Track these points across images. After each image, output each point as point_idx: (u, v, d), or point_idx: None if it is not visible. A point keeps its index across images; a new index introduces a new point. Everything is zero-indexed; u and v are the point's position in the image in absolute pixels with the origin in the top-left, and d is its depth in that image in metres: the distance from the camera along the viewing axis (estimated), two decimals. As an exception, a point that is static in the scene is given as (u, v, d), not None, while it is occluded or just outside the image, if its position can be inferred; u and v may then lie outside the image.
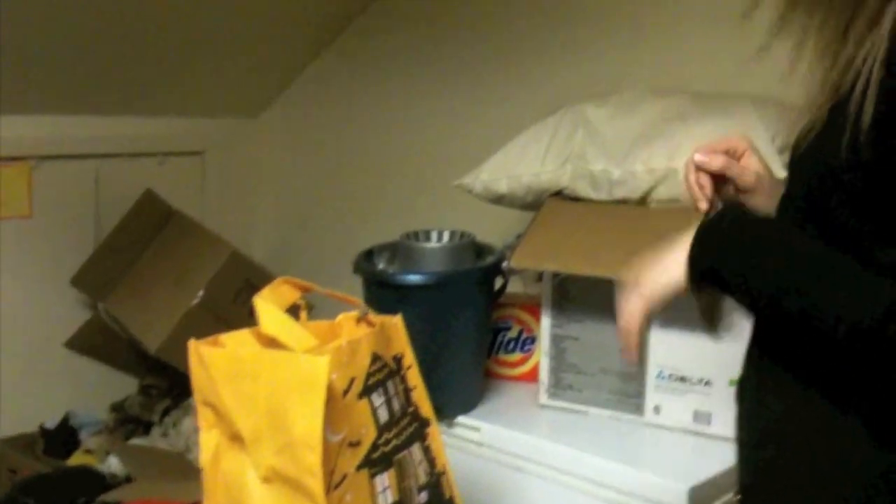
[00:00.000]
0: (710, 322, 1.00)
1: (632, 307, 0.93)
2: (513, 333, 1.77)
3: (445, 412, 1.56)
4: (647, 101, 1.62)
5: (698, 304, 1.00)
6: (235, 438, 1.01)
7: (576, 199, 1.64)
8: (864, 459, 0.78)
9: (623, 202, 1.56)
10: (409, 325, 1.17)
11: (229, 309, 2.25)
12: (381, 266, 1.65)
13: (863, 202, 0.76)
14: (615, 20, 2.01)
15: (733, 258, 0.85)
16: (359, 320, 1.15)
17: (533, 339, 1.75)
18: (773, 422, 0.87)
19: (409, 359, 1.15)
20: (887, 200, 0.74)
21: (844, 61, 0.79)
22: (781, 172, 1.34)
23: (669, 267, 0.90)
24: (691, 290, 0.90)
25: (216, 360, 1.00)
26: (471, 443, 1.57)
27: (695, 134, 1.45)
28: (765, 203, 0.99)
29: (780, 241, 0.82)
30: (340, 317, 1.16)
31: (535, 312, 1.70)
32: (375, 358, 1.07)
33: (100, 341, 2.50)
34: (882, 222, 0.75)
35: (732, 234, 0.86)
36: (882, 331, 0.71)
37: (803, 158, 0.86)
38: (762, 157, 1.05)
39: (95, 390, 2.52)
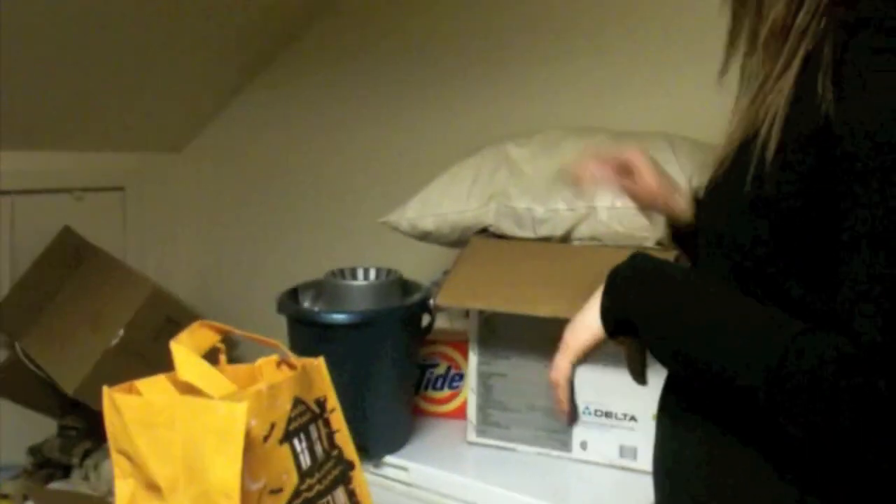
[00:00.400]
0: (636, 370, 1.02)
1: (559, 363, 0.97)
2: (440, 370, 1.77)
3: (372, 452, 1.55)
4: (569, 140, 1.64)
5: (624, 353, 1.02)
6: (152, 487, 0.98)
7: (501, 237, 1.64)
8: (767, 492, 0.79)
9: (547, 239, 1.57)
10: (335, 365, 1.15)
11: (150, 347, 2.19)
12: (305, 304, 1.63)
13: (770, 237, 0.77)
14: (538, 59, 2.04)
15: (640, 309, 0.87)
16: (279, 363, 1.13)
17: (461, 376, 1.75)
18: (680, 454, 0.88)
19: (333, 401, 1.14)
20: (792, 236, 0.76)
21: (760, 99, 0.81)
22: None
23: (588, 321, 0.94)
24: (611, 340, 0.93)
25: (130, 408, 0.97)
26: (399, 483, 1.55)
27: (615, 172, 1.47)
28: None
29: (682, 290, 0.84)
30: (260, 361, 1.14)
31: (463, 349, 1.70)
32: (297, 402, 1.05)
33: (17, 382, 2.41)
34: (789, 258, 0.77)
35: (636, 286, 0.88)
36: (778, 375, 0.71)
37: (713, 193, 0.88)
38: (662, 171, 1.10)
39: (13, 433, 2.43)
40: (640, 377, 1.02)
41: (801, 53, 0.78)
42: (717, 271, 0.85)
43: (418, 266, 1.96)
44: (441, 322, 1.79)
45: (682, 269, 0.90)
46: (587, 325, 0.94)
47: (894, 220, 0.67)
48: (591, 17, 1.96)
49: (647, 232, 1.45)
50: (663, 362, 0.86)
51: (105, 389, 1.00)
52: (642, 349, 1.01)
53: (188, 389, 1.01)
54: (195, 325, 1.07)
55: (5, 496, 2.23)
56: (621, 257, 1.30)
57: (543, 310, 1.42)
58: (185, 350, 1.01)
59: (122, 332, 2.17)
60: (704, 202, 0.93)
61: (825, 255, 0.73)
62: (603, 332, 0.93)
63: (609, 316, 0.92)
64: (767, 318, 0.75)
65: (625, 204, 1.45)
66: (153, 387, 1.05)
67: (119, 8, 2.02)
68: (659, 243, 1.45)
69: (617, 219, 1.47)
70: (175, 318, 2.18)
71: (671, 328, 0.82)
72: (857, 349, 0.67)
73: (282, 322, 1.56)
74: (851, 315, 0.69)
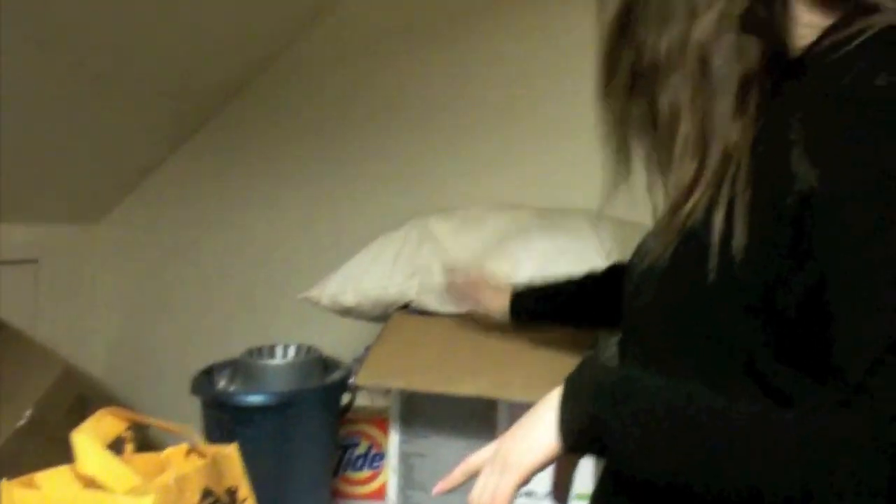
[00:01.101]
0: (564, 487, 0.95)
1: (502, 490, 0.82)
2: (361, 450, 1.73)
3: (290, 538, 1.49)
4: (491, 215, 1.65)
5: (559, 467, 0.95)
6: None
7: (423, 313, 1.63)
8: None
9: (468, 315, 1.56)
10: (252, 449, 1.12)
11: (61, 426, 2.10)
12: (221, 385, 1.58)
13: (756, 327, 0.73)
14: (461, 134, 2.06)
15: (615, 425, 0.76)
16: (189, 452, 1.09)
17: (382, 456, 1.71)
18: None
19: (245, 490, 1.09)
20: (777, 321, 0.72)
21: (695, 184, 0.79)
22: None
23: (538, 436, 0.81)
24: (567, 453, 0.81)
25: (28, 504, 0.92)
26: (317, 570, 1.50)
27: (535, 249, 1.49)
28: None
29: (665, 404, 0.74)
30: (168, 450, 1.09)
31: (384, 427, 1.66)
32: (206, 493, 1.01)
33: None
34: (776, 341, 0.73)
35: (603, 397, 0.78)
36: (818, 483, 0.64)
37: (663, 281, 0.82)
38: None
39: None
40: (565, 496, 0.94)
41: (742, 137, 0.76)
42: (676, 359, 0.80)
43: (340, 342, 1.93)
44: (362, 399, 1.75)
45: (646, 375, 0.80)
46: (538, 440, 0.81)
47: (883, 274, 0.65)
48: (511, 93, 1.99)
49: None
50: (639, 476, 0.77)
51: (3, 484, 0.95)
52: (574, 471, 0.94)
53: (91, 483, 0.96)
54: (100, 413, 1.02)
55: None
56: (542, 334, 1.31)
57: (466, 388, 1.40)
58: (88, 440, 0.96)
59: (30, 411, 2.07)
60: (641, 287, 0.87)
61: (812, 334, 0.70)
62: (559, 448, 0.80)
63: (569, 429, 0.79)
64: (778, 424, 0.68)
65: (545, 278, 1.46)
66: (54, 480, 1.00)
67: (36, 73, 1.98)
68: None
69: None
70: (87, 397, 2.10)
71: (661, 450, 0.73)
72: (866, 419, 0.63)
73: (197, 402, 1.51)
74: (849, 364, 0.66)
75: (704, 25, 0.77)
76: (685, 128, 0.78)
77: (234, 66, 2.29)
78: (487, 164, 2.02)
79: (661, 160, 0.83)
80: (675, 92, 0.79)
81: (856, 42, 0.71)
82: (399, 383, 1.49)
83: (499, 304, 1.37)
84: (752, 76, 0.77)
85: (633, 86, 0.84)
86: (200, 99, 2.37)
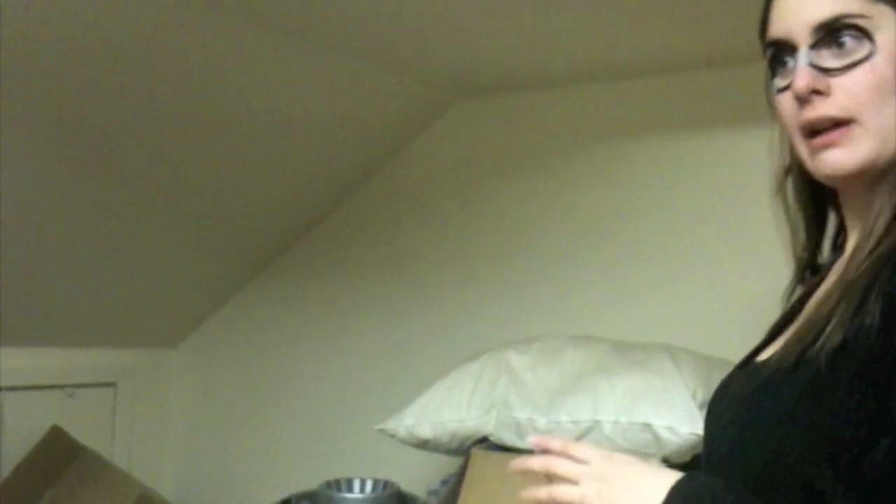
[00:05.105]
0: None
1: None
2: (437, 588, 1.69)
3: None
4: (568, 349, 1.64)
5: None
6: None
7: (502, 448, 1.62)
8: None
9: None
10: None
11: (136, 552, 2.10)
12: (300, 518, 1.58)
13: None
14: (536, 267, 2.06)
15: None
16: None
17: None
18: None
19: None
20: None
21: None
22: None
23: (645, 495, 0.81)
24: None
25: None
26: None
27: (618, 388, 1.48)
28: None
29: None
30: None
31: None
32: None
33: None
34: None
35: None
36: None
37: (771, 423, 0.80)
38: None
39: None
40: None
41: None
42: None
43: (416, 473, 1.92)
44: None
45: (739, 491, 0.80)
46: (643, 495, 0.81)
47: None
48: (590, 224, 2.01)
49: (653, 448, 1.43)
50: None
51: None
52: None
53: None
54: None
55: None
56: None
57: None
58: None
59: (105, 538, 2.08)
60: (726, 429, 0.87)
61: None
62: None
63: None
64: None
65: (630, 419, 1.44)
66: None
67: (118, 202, 2.06)
68: (664, 460, 1.43)
69: (621, 434, 1.45)
70: (161, 524, 2.10)
71: None
72: None
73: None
74: None
75: None
76: None
77: (313, 197, 2.37)
78: (562, 296, 2.02)
79: None
80: None
81: None
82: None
83: None
84: None
85: None
86: (278, 229, 2.43)
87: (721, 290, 1.80)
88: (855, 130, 0.82)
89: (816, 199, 0.92)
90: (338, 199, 2.39)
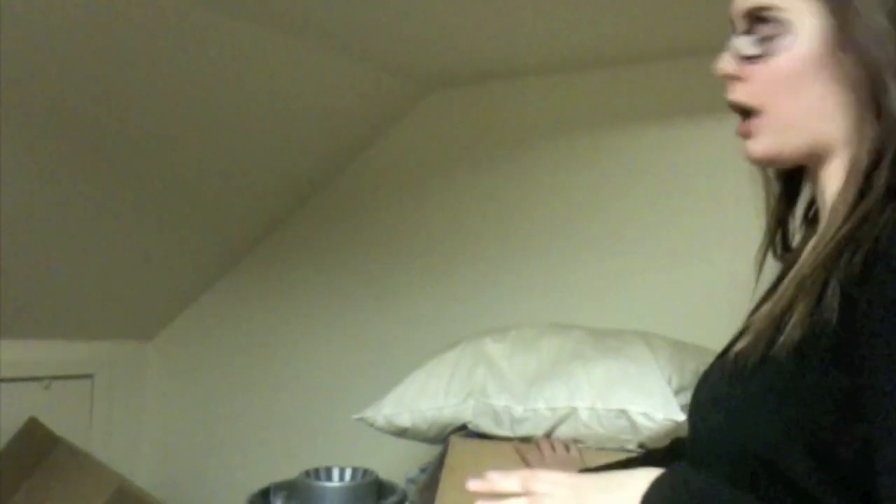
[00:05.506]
0: None
1: None
2: (416, 574, 1.70)
3: None
4: (545, 337, 1.65)
5: None
6: None
7: (480, 435, 1.62)
8: None
9: (526, 440, 1.55)
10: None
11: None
12: (278, 507, 1.58)
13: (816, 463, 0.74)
14: (514, 254, 2.08)
15: None
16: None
17: (437, 581, 1.68)
18: None
19: None
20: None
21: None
22: (680, 415, 1.38)
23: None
24: None
25: None
26: None
27: (594, 374, 1.49)
28: None
29: None
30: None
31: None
32: None
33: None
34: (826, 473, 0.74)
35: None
36: None
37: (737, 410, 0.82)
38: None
39: None
40: None
41: None
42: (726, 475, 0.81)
43: (395, 462, 1.92)
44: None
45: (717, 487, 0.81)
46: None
47: None
48: (565, 214, 2.02)
49: (628, 434, 1.44)
50: None
51: None
52: None
53: None
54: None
55: None
56: (603, 459, 1.30)
57: None
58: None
59: (83, 530, 2.08)
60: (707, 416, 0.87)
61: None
62: None
63: None
64: None
65: (605, 405, 1.45)
66: None
67: (93, 196, 2.05)
68: (641, 446, 1.44)
69: (597, 420, 1.46)
70: (139, 515, 2.10)
71: None
72: None
73: (254, 526, 1.50)
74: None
75: None
76: None
77: (287, 189, 2.36)
78: (539, 284, 2.03)
79: None
80: None
81: None
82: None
83: None
84: None
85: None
86: (252, 223, 2.43)
87: (698, 277, 1.82)
88: (762, 121, 0.85)
89: (793, 171, 0.93)
90: (312, 191, 2.39)
